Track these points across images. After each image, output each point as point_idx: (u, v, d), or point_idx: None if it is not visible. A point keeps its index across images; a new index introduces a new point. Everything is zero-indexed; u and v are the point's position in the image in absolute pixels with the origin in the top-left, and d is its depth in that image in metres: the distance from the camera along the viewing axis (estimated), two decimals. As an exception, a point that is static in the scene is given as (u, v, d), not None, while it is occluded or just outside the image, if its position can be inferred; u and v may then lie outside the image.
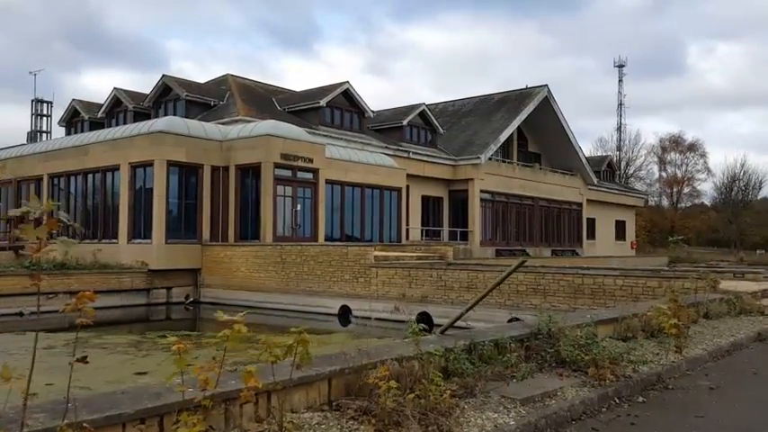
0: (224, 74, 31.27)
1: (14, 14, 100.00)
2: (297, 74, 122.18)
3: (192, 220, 21.13)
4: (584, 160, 40.66)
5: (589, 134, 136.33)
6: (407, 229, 29.56)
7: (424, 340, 6.31)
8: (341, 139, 27.36)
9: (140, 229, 20.58)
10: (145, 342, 13.05)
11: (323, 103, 27.58)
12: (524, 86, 38.00)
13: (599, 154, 62.89)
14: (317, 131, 26.39)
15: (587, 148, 71.68)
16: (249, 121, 23.30)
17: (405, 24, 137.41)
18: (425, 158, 31.76)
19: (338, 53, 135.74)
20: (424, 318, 15.61)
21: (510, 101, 36.91)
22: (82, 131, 28.65)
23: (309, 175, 22.32)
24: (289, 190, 21.69)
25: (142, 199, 20.77)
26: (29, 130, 34.94)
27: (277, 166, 21.09)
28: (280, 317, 18.32)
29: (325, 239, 22.94)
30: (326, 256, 18.02)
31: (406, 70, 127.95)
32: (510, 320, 13.23)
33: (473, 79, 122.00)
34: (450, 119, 37.87)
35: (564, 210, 39.90)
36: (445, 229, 33.55)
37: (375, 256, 17.71)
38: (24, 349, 11.90)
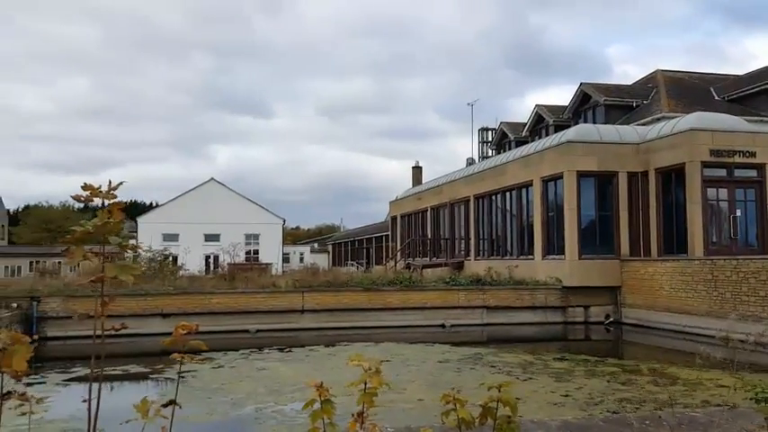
0: (653, 71, 28.47)
1: (465, 53, 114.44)
2: (765, 56, 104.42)
3: (608, 233, 19.36)
4: None
5: None
6: None
7: None
8: (804, 124, 21.48)
9: (554, 245, 19.92)
10: (534, 364, 12.12)
11: (773, 83, 22.23)
12: None
13: None
14: (766, 119, 21.37)
15: None
16: (672, 118, 20.31)
17: None
18: None
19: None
20: None
21: None
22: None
23: (752, 173, 17.97)
24: (723, 193, 17.86)
25: (554, 213, 20.13)
26: (468, 156, 38.68)
27: (705, 165, 17.62)
28: (713, 345, 14.95)
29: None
30: (774, 273, 13.91)
31: None
32: None
33: None
34: None
35: None
36: None
37: None
38: (424, 361, 12.41)
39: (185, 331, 1.85)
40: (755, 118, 20.98)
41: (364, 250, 52.63)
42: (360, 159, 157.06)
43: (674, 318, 16.57)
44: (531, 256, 20.99)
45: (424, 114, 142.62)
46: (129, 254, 1.96)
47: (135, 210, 76.72)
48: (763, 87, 22.60)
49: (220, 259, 33.29)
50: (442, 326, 18.11)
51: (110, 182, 1.81)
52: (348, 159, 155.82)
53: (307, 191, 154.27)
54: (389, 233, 38.75)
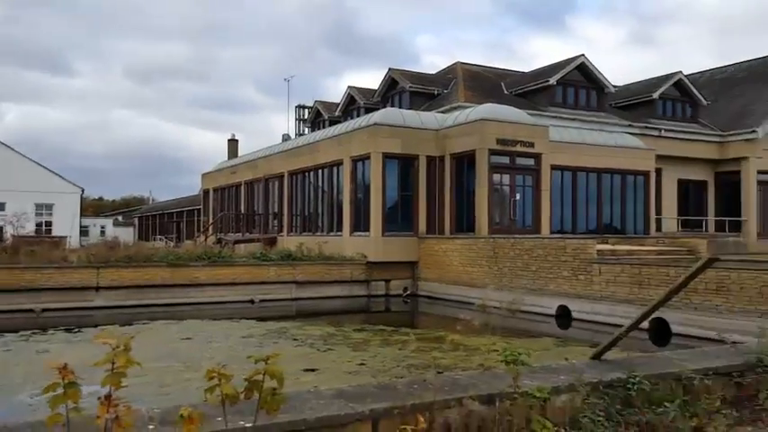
0: (454, 63, 30.64)
1: (285, 28, 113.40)
2: (547, 55, 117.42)
3: (409, 212, 20.78)
4: None
5: None
6: (658, 220, 25.64)
7: (558, 367, 4.52)
8: (574, 119, 24.80)
9: (361, 222, 20.88)
10: (336, 336, 12.79)
11: (553, 81, 25.23)
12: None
13: None
14: (544, 113, 24.27)
15: None
16: (468, 107, 22.22)
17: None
18: (682, 136, 27.27)
19: (594, 26, 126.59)
20: (661, 327, 12.86)
21: (800, 60, 29.81)
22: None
23: (530, 161, 20.39)
24: (506, 178, 20.08)
25: (362, 192, 21.07)
26: (284, 132, 38.67)
27: (493, 152, 19.63)
28: (493, 315, 16.88)
29: (555, 232, 20.82)
30: (542, 250, 16.08)
31: (678, 37, 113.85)
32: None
33: (765, 39, 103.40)
34: (720, 88, 32.00)
35: None
36: (710, 219, 28.42)
37: (598, 251, 15.25)
38: (227, 337, 12.47)
39: None
40: (536, 112, 23.69)
41: (174, 224, 50.57)
42: (173, 128, 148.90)
43: (462, 290, 18.33)
44: (340, 233, 21.78)
45: (242, 86, 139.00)
46: None
47: None
48: (543, 85, 25.57)
49: (4, 231, 29.80)
50: (252, 301, 18.19)
51: None
52: (160, 127, 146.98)
53: (113, 159, 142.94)
54: (202, 207, 37.58)
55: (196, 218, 42.29)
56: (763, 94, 28.98)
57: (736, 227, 27.57)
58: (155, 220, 57.11)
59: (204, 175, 36.85)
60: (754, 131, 27.03)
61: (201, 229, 33.62)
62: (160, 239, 45.09)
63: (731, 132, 27.90)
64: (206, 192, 36.03)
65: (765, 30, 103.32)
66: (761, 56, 32.66)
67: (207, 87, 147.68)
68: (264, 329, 13.41)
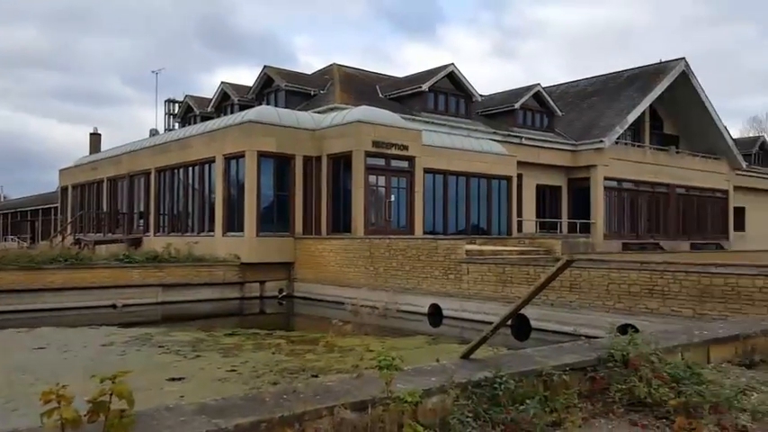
0: (330, 64, 30.70)
1: (154, 19, 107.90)
2: (420, 62, 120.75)
3: (285, 212, 20.56)
4: (730, 142, 35.67)
5: (746, 113, 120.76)
6: (519, 222, 27.31)
7: (430, 368, 4.69)
8: (444, 125, 25.77)
9: (234, 222, 20.34)
10: (205, 341, 12.36)
11: (425, 87, 26.09)
12: (658, 61, 33.91)
13: (752, 135, 55.50)
14: (417, 118, 25.03)
15: (738, 130, 63.88)
16: (344, 109, 22.39)
17: None
18: (540, 144, 29.26)
19: (462, 36, 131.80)
20: (523, 322, 13.72)
21: (641, 78, 33.09)
22: (195, 127, 29.33)
23: (404, 164, 20.95)
24: (382, 180, 20.47)
25: (236, 191, 20.54)
26: (152, 127, 36.77)
27: (369, 154, 19.94)
28: (370, 315, 17.12)
29: (427, 233, 21.52)
30: (415, 251, 16.58)
31: (536, 51, 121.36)
32: (621, 328, 11.28)
33: (612, 57, 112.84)
34: (573, 100, 34.77)
35: (706, 198, 35.30)
36: (564, 221, 30.76)
37: (467, 251, 15.99)
38: (85, 346, 11.64)
39: None
40: (409, 116, 24.38)
41: (29, 224, 46.89)
42: (28, 120, 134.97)
43: (339, 290, 18.42)
44: (211, 233, 21.08)
45: (106, 78, 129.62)
46: None
47: None
48: (416, 90, 26.37)
49: None
50: (114, 306, 17.13)
51: None
52: (13, 119, 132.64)
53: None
54: (59, 205, 34.77)
55: (53, 217, 39.21)
56: (611, 107, 31.87)
57: (587, 228, 30.08)
58: (6, 219, 52.58)
59: (62, 171, 34.10)
60: (601, 141, 29.57)
61: (59, 229, 31.13)
62: (12, 240, 41.60)
63: (582, 142, 30.35)
64: (64, 189, 33.36)
65: (611, 48, 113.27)
66: (608, 72, 35.95)
67: (67, 78, 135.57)
68: (127, 336, 12.66)
